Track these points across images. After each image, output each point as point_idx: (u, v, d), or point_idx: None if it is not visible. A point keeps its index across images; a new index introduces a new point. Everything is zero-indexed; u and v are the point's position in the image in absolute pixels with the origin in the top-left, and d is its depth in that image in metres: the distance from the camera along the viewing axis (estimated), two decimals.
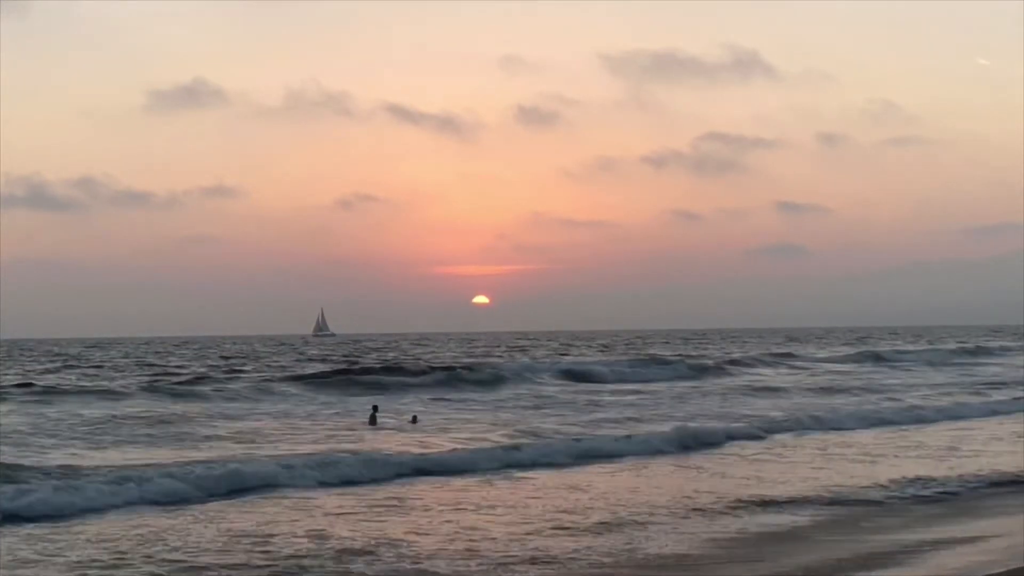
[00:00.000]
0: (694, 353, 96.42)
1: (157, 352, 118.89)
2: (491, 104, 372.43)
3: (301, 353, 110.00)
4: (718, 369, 68.27)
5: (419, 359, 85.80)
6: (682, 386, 54.43)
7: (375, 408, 36.91)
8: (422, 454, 26.03)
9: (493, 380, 54.96)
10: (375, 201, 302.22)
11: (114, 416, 36.06)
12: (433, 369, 61.70)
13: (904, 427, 34.26)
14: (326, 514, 18.33)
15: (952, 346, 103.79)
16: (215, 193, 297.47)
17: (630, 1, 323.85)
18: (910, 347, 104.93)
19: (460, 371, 58.60)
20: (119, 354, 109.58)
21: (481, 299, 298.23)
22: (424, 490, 21.24)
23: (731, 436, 30.45)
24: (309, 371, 64.05)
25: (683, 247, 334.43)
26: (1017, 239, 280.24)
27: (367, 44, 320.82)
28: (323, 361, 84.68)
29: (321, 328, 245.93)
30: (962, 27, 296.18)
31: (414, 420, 35.66)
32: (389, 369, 62.95)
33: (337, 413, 39.34)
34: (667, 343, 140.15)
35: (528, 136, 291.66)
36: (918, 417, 37.46)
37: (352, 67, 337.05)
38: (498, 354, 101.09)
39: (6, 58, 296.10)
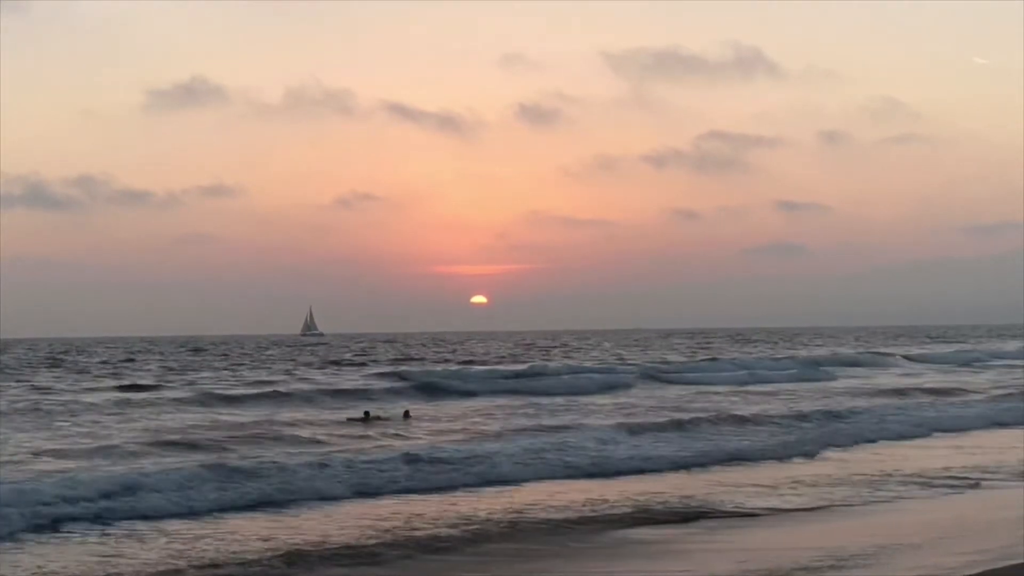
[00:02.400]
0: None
1: (146, 351, 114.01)
2: (491, 102, 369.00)
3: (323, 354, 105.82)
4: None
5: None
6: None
7: (366, 413, 36.65)
8: None
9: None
10: (374, 200, 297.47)
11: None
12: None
13: None
14: None
15: None
16: (214, 192, 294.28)
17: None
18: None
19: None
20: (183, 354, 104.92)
21: (479, 299, 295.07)
22: None
23: None
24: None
25: (683, 246, 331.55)
26: (1019, 238, 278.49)
27: (367, 42, 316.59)
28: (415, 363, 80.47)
29: (310, 328, 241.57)
30: (968, 24, 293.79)
31: (406, 415, 36.36)
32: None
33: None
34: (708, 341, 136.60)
35: (528, 134, 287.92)
36: None
37: (352, 65, 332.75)
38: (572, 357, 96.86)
39: (5, 56, 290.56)
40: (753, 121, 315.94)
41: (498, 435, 29.21)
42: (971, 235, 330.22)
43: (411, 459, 22.67)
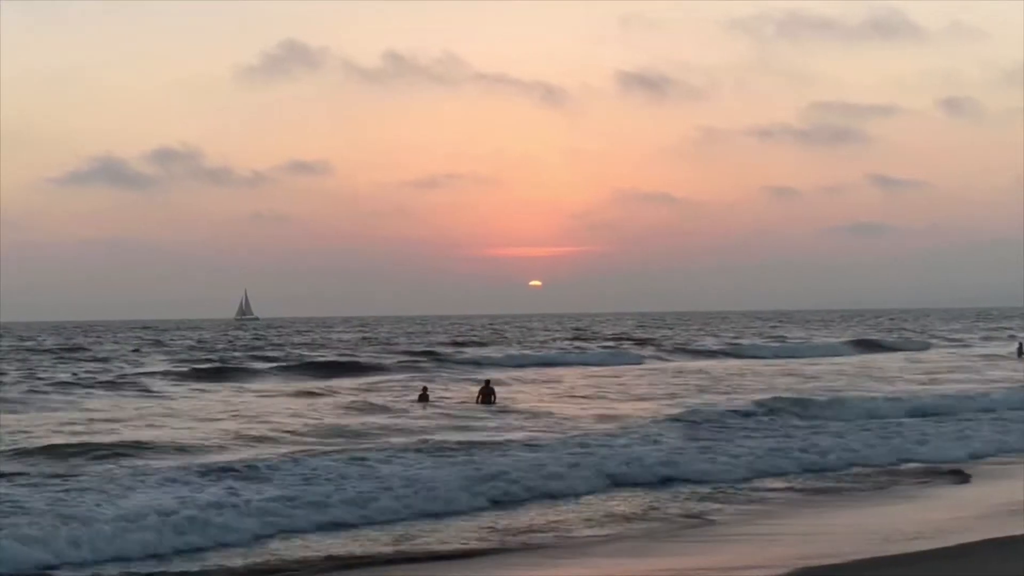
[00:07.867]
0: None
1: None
2: (598, 70, 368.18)
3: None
4: None
5: None
6: None
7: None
8: None
9: None
10: (458, 179, 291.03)
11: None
12: None
13: None
14: None
15: None
16: (299, 169, 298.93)
17: None
18: None
19: None
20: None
21: (535, 282, 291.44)
22: None
23: None
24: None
25: (777, 223, 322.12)
26: None
27: (472, 5, 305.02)
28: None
29: (244, 312, 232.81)
30: None
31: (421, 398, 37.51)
32: None
33: None
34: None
35: (632, 106, 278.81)
36: None
37: (454, 31, 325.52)
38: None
39: (94, 32, 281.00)
40: (873, 90, 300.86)
41: None
42: None
43: None
